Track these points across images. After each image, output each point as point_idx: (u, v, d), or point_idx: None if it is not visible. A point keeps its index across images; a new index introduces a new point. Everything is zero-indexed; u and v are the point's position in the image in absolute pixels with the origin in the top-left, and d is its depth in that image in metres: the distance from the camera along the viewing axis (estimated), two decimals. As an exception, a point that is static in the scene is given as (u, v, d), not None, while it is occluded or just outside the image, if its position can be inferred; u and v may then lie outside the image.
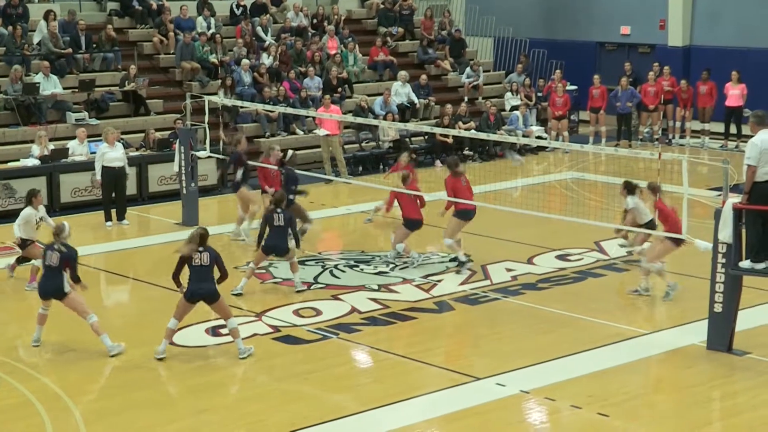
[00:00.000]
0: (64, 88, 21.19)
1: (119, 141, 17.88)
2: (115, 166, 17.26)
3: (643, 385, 10.97)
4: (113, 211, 17.48)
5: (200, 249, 11.18)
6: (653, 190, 13.31)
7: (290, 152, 16.11)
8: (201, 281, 11.16)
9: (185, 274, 11.35)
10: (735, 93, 23.73)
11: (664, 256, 13.38)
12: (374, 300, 13.37)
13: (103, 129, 18.18)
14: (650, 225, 13.48)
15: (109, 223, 17.36)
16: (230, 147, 17.23)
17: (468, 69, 26.12)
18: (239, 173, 16.21)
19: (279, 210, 13.35)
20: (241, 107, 21.61)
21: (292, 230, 13.48)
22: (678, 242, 12.99)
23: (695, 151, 23.54)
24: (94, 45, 22.52)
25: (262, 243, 13.43)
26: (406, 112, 23.90)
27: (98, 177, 17.26)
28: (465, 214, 14.44)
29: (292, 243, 13.72)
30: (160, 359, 11.23)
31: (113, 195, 17.46)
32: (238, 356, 11.23)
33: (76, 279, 11.49)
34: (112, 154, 17.24)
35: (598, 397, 10.25)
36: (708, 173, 21.24)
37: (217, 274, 11.27)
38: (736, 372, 10.94)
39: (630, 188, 13.69)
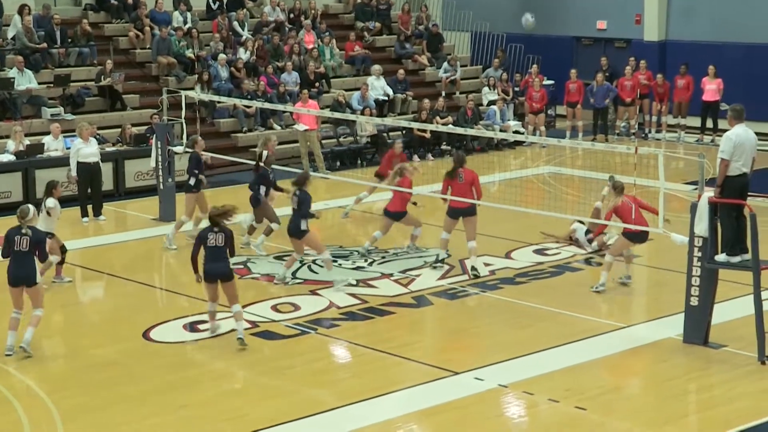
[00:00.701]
0: (39, 83, 21.06)
1: (94, 136, 17.80)
2: (90, 162, 17.19)
3: (620, 379, 11.05)
4: (89, 207, 17.40)
5: (215, 229, 11.48)
6: (617, 190, 13.39)
7: (265, 153, 15.33)
8: (215, 261, 11.43)
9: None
10: (711, 87, 23.87)
11: (621, 250, 13.56)
12: (352, 295, 13.39)
13: (77, 124, 18.10)
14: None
15: (85, 219, 17.28)
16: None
17: (445, 64, 26.16)
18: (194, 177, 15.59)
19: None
20: (218, 102, 21.56)
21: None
22: (636, 238, 13.17)
23: (671, 145, 23.68)
24: (70, 40, 22.39)
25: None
26: (384, 107, 23.91)
27: (73, 173, 17.18)
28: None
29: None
30: (215, 335, 11.76)
31: (89, 191, 17.38)
32: (236, 337, 11.45)
33: (44, 259, 11.49)
34: (87, 150, 17.16)
35: (575, 391, 10.32)
36: (684, 167, 21.37)
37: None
38: (712, 365, 11.03)
39: (618, 188, 13.62)
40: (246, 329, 11.90)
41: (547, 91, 25.14)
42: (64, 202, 18.22)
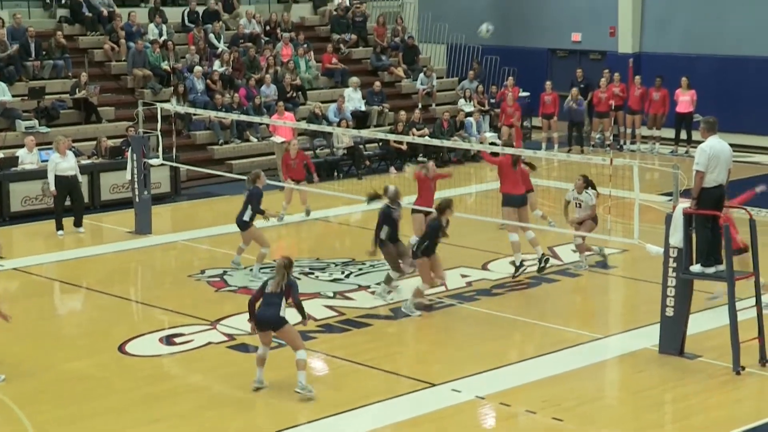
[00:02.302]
0: (14, 96, 20.95)
1: (70, 149, 17.72)
2: (68, 175, 17.12)
3: (597, 389, 11.08)
4: (66, 220, 17.28)
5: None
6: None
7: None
8: (267, 306, 10.48)
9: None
10: (685, 99, 24.03)
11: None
12: (330, 307, 13.37)
13: (54, 138, 18.00)
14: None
15: (60, 232, 17.17)
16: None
17: (422, 75, 26.23)
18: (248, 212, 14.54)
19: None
20: (194, 114, 21.51)
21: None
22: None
23: (646, 156, 23.81)
24: (44, 52, 22.29)
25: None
26: (365, 119, 23.92)
27: (52, 188, 17.10)
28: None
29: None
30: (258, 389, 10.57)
31: (66, 204, 17.29)
32: (296, 388, 10.34)
33: None
34: (65, 164, 17.12)
35: (552, 402, 10.34)
36: (659, 179, 21.49)
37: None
38: (687, 375, 11.08)
39: (589, 182, 14.20)
40: (221, 342, 11.83)
41: (521, 105, 25.18)
42: (41, 215, 18.24)
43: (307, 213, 18.05)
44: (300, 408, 10.25)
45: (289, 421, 9.85)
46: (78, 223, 17.37)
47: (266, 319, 10.49)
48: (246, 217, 14.44)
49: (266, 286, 10.59)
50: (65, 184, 17.10)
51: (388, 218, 13.52)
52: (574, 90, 24.82)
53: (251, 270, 14.56)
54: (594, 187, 14.59)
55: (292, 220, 18.47)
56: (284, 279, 10.49)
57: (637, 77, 25.00)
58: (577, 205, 14.66)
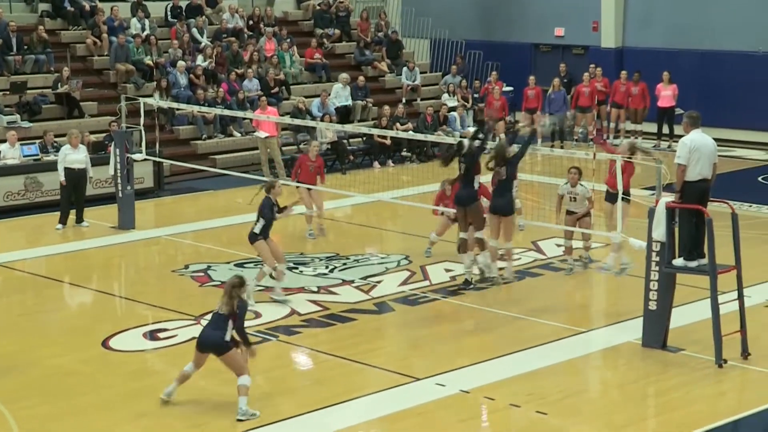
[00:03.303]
0: (-5, 91, 20.84)
1: (82, 143, 17.69)
2: (76, 168, 17.10)
3: (580, 383, 11.12)
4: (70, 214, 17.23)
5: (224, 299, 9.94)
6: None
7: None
8: (213, 326, 9.94)
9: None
10: (667, 94, 24.13)
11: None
12: (314, 302, 13.37)
13: (68, 131, 17.93)
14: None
15: (59, 226, 17.08)
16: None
17: (405, 70, 26.22)
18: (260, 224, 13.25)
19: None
20: (177, 109, 21.44)
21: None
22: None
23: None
24: (26, 47, 22.15)
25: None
26: (348, 114, 23.90)
27: (62, 178, 17.07)
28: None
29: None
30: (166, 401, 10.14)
31: (72, 197, 17.26)
32: (237, 414, 9.81)
33: None
34: (74, 156, 17.12)
35: (536, 396, 10.37)
36: (641, 173, 21.55)
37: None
38: (670, 368, 11.13)
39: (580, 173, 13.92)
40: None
41: (507, 99, 25.24)
42: (23, 210, 18.15)
43: (321, 231, 16.27)
44: (284, 403, 10.25)
45: (273, 416, 9.84)
46: (79, 219, 17.32)
47: (209, 343, 9.85)
48: (256, 229, 13.03)
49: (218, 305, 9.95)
50: (73, 176, 17.09)
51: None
52: (556, 80, 24.88)
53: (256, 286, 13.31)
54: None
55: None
56: (236, 301, 9.78)
57: (623, 72, 25.08)
58: (571, 199, 14.22)
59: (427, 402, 10.22)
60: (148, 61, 23.04)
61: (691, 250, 11.27)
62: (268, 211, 13.06)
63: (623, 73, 25.03)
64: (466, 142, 13.40)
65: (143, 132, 17.83)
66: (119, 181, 17.26)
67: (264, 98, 21.67)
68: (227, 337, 9.80)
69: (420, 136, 18.36)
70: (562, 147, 23.86)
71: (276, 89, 23.66)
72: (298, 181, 16.10)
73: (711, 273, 11.12)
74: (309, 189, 16.10)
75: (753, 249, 13.62)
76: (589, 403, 10.52)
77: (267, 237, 13.11)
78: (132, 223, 17.19)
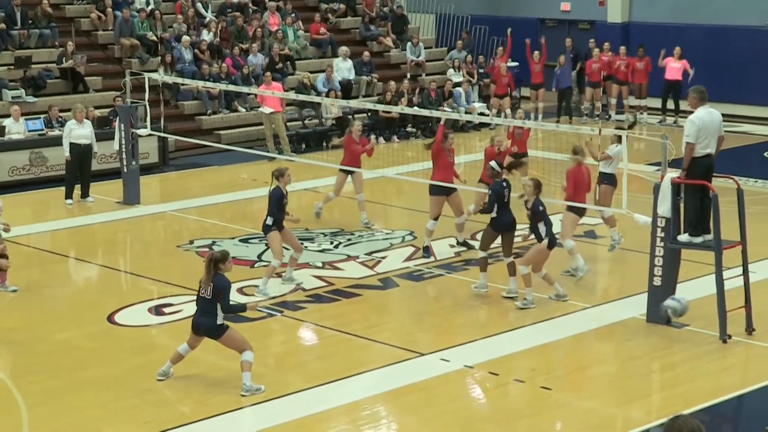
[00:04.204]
0: (0, 65, 20.78)
1: (87, 118, 17.67)
2: (82, 143, 17.10)
3: (585, 358, 11.13)
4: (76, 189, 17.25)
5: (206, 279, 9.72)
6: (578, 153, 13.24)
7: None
8: (201, 313, 9.81)
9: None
10: (675, 66, 23.99)
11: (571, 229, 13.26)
12: (318, 277, 13.38)
13: (72, 105, 17.91)
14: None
15: (69, 201, 17.10)
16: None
17: (410, 45, 26.12)
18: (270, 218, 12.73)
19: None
20: (182, 84, 21.40)
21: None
22: (580, 212, 13.18)
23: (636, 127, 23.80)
24: (30, 21, 22.10)
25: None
26: (352, 89, 23.83)
27: (66, 154, 17.07)
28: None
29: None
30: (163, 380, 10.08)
31: (78, 173, 17.26)
32: (241, 390, 9.77)
33: None
34: (80, 131, 17.13)
35: (540, 371, 10.39)
36: (646, 148, 21.52)
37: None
38: (674, 344, 11.14)
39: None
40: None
41: (512, 74, 25.13)
42: (28, 185, 18.16)
43: (367, 225, 15.62)
44: (289, 377, 10.28)
45: (278, 391, 9.87)
46: (85, 194, 17.33)
47: (201, 328, 9.75)
48: (268, 221, 12.60)
49: (200, 284, 9.77)
50: (78, 152, 17.09)
51: None
52: (562, 57, 24.78)
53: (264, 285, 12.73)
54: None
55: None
56: (211, 278, 9.55)
57: (622, 47, 24.97)
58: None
59: (432, 377, 10.24)
60: (152, 36, 22.98)
61: (696, 225, 11.25)
62: (276, 205, 12.53)
63: (622, 48, 24.91)
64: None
65: (148, 107, 17.81)
66: (124, 156, 17.25)
67: (269, 73, 21.61)
68: (219, 321, 9.71)
69: (425, 112, 18.29)
70: (570, 122, 23.80)
71: (281, 64, 23.60)
72: (342, 164, 15.60)
73: (716, 249, 11.11)
74: (351, 172, 15.49)
75: (758, 224, 13.60)
76: (594, 378, 10.54)
77: (281, 228, 12.69)
78: (137, 199, 17.20)
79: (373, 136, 18.49)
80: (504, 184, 12.57)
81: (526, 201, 12.24)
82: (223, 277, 9.72)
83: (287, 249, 12.99)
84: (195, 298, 11.50)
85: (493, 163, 12.86)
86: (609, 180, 13.79)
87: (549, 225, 12.09)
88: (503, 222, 12.50)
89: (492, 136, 15.04)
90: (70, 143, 17.08)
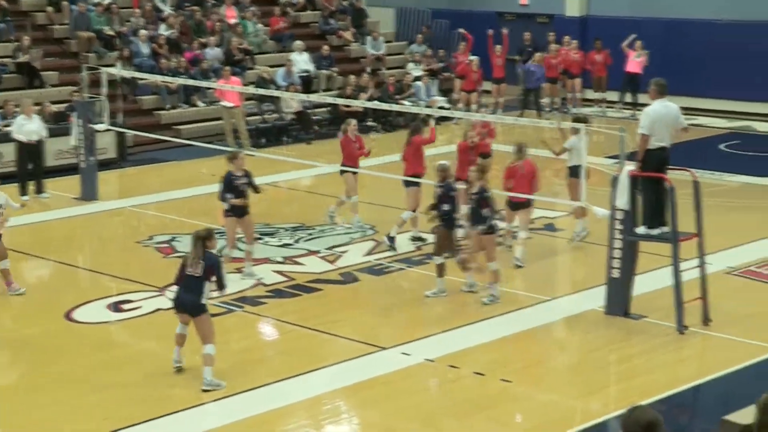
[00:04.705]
0: (-46, 60, 20.55)
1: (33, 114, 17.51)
2: (32, 138, 16.92)
3: (544, 351, 11.24)
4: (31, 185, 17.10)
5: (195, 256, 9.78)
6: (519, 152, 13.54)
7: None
8: (187, 290, 9.82)
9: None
10: (636, 59, 24.17)
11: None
12: (279, 272, 13.37)
13: (21, 101, 17.71)
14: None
15: (25, 197, 16.92)
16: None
17: (369, 39, 26.11)
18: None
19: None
20: (140, 79, 21.26)
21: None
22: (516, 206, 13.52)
23: (594, 120, 23.98)
24: (-16, 15, 21.84)
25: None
26: (311, 83, 23.79)
27: (17, 148, 16.89)
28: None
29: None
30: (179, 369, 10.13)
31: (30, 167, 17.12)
32: (202, 385, 9.78)
33: None
34: (30, 126, 16.94)
35: (500, 364, 10.47)
36: (605, 141, 21.69)
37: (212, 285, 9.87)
38: (632, 336, 11.27)
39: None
40: (171, 308, 11.79)
41: (482, 71, 25.00)
42: (4, 179, 17.91)
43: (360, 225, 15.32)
44: (251, 373, 10.27)
45: (240, 386, 9.86)
46: (40, 190, 17.17)
47: (184, 304, 9.83)
48: (226, 206, 12.75)
49: (186, 262, 9.82)
50: (30, 147, 16.89)
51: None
52: (538, 55, 24.83)
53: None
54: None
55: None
56: (202, 254, 9.67)
57: (574, 41, 25.14)
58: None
59: (393, 371, 10.28)
60: (109, 30, 22.79)
61: (653, 218, 11.38)
62: (226, 188, 12.60)
63: (574, 42, 25.04)
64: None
65: (105, 102, 17.67)
66: (82, 151, 17.11)
67: (228, 68, 21.52)
68: (203, 300, 9.78)
69: (385, 106, 18.32)
70: (540, 116, 23.90)
71: (240, 55, 23.48)
72: (342, 165, 15.21)
73: (673, 241, 11.25)
74: (355, 173, 15.13)
75: (714, 216, 13.77)
76: (553, 370, 10.64)
77: (241, 215, 12.76)
78: (95, 194, 17.08)
79: (373, 134, 18.09)
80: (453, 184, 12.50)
81: (470, 186, 12.23)
82: (213, 254, 9.88)
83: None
84: (155, 294, 11.44)
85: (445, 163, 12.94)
86: (574, 172, 13.85)
87: (493, 212, 12.14)
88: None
89: (466, 130, 15.08)
90: (20, 138, 16.87)
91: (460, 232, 12.25)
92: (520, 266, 13.37)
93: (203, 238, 9.81)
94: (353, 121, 15.58)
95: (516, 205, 13.69)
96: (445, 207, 12.36)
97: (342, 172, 15.29)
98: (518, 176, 13.46)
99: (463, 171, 13.70)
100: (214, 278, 9.82)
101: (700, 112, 24.46)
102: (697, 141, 21.58)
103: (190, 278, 9.80)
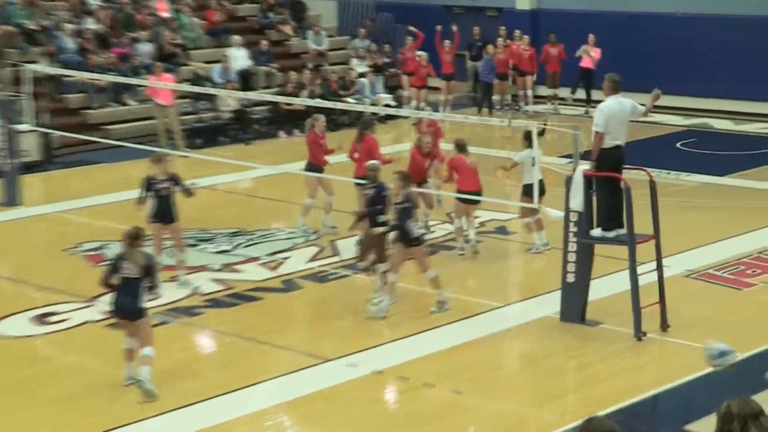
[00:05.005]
0: None
1: None
2: None
3: (497, 359, 11.28)
4: None
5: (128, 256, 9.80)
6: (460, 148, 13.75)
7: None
8: (124, 293, 9.80)
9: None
10: (588, 56, 24.38)
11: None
12: (217, 281, 13.28)
13: None
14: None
15: None
16: None
17: (311, 33, 26.07)
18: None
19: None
20: (66, 76, 21.00)
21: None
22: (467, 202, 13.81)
23: (547, 117, 24.16)
24: None
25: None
26: (249, 80, 23.68)
27: None
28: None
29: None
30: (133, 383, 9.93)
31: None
32: (143, 384, 9.72)
33: None
34: None
35: (451, 374, 10.49)
36: (558, 140, 21.87)
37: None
38: (589, 342, 11.35)
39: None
40: (101, 320, 11.65)
41: (432, 67, 25.06)
42: None
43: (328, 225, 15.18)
44: (187, 387, 10.17)
45: (175, 402, 9.77)
46: None
47: (123, 308, 9.78)
48: (148, 211, 12.85)
49: (119, 264, 9.76)
50: None
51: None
52: (490, 47, 24.96)
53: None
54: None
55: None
56: (136, 254, 9.64)
57: (526, 37, 25.33)
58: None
59: (338, 384, 10.25)
60: (31, 24, 22.47)
61: (608, 219, 11.46)
62: (141, 192, 12.62)
63: (525, 38, 25.21)
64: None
65: (29, 101, 17.44)
66: (3, 154, 16.87)
67: (159, 64, 21.34)
68: (141, 303, 9.76)
69: (328, 104, 18.28)
70: (490, 116, 24.02)
71: (173, 53, 23.30)
72: (309, 163, 14.92)
73: (629, 243, 11.34)
74: (320, 175, 14.94)
75: (672, 217, 13.93)
76: (506, 379, 10.68)
77: (166, 221, 12.70)
78: (18, 199, 16.86)
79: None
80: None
81: (395, 196, 12.05)
82: (148, 253, 9.97)
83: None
84: (83, 305, 11.29)
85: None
86: (526, 191, 13.75)
87: (413, 222, 12.05)
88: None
89: (419, 136, 15.03)
90: None
91: (391, 236, 12.20)
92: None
93: (135, 237, 9.81)
94: (322, 117, 15.29)
95: (469, 199, 13.76)
96: (378, 207, 12.32)
97: (310, 170, 14.95)
98: (464, 168, 13.51)
99: (419, 176, 13.94)
100: (147, 281, 9.80)
101: (656, 109, 24.48)
102: (653, 139, 21.88)
103: (126, 281, 9.76)
